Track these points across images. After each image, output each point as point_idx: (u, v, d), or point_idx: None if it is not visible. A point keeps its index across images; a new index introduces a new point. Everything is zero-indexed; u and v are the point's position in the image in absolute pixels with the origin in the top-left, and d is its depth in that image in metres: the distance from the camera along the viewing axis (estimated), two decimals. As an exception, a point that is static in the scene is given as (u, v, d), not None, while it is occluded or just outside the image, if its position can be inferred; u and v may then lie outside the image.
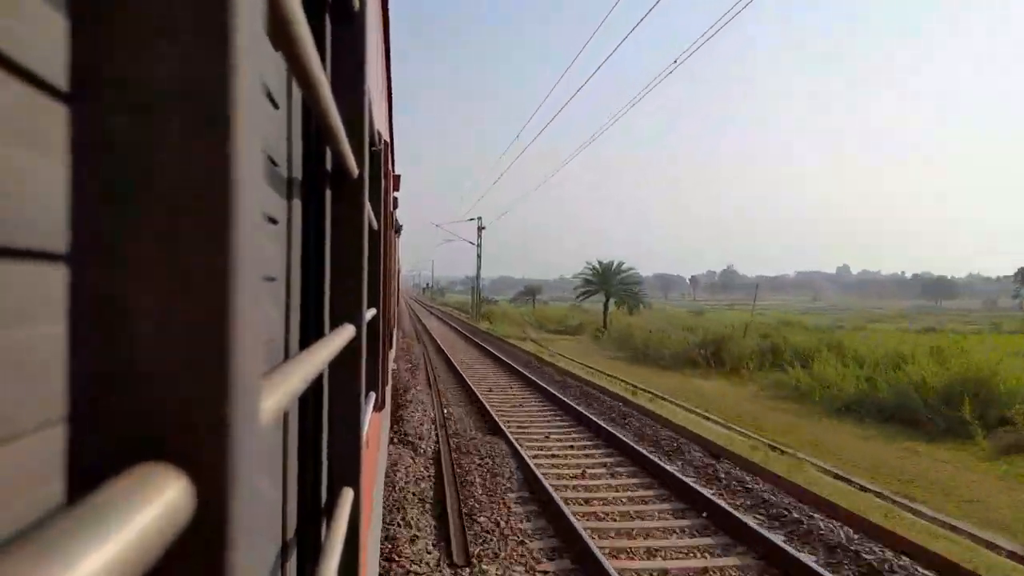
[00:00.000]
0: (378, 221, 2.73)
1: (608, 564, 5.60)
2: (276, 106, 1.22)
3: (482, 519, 7.11)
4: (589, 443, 10.75)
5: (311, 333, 1.45)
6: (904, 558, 6.14)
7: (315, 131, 1.46)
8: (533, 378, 17.19)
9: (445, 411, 13.03)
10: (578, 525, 6.54)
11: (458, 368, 19.14)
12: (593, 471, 9.11)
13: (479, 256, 53.14)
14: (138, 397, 0.32)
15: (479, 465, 9.17)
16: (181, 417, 0.33)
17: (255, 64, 0.36)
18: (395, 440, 10.11)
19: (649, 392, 16.16)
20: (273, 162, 1.18)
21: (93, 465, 0.32)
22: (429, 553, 6.23)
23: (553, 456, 9.97)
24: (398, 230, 11.06)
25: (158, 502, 0.28)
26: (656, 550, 6.44)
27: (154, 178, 0.32)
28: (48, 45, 0.35)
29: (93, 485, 0.29)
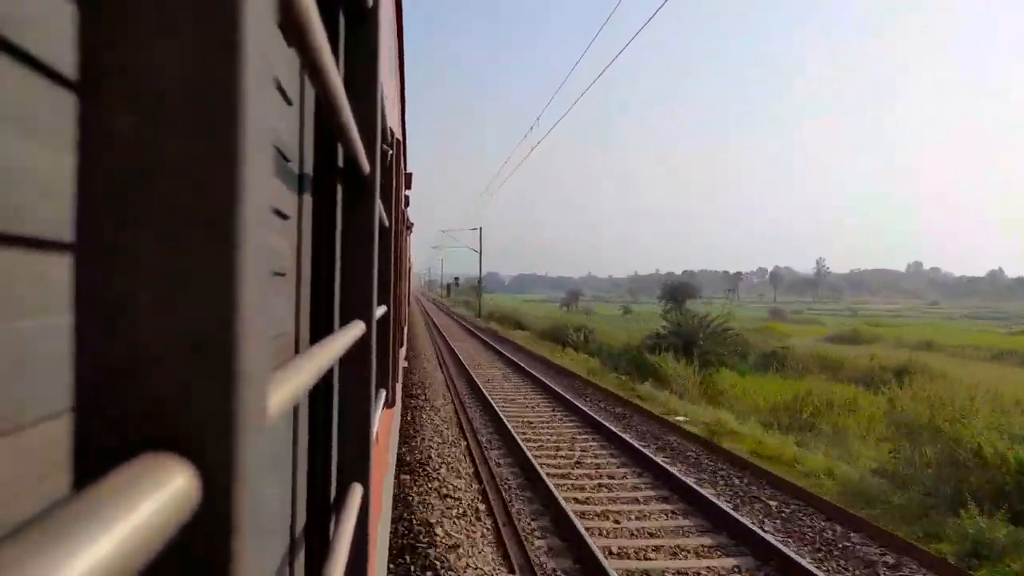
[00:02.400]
0: (389, 219, 2.73)
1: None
2: (289, 102, 1.23)
3: None
4: None
5: (321, 329, 1.46)
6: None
7: (328, 128, 1.47)
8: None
9: None
10: None
11: None
12: None
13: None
14: (143, 389, 0.33)
15: None
16: (187, 409, 0.33)
17: (264, 59, 0.36)
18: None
19: None
20: (285, 158, 1.19)
21: (98, 457, 0.32)
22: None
23: None
24: (409, 228, 11.09)
25: (163, 491, 0.28)
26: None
27: (160, 170, 0.32)
28: (56, 37, 0.36)
29: (98, 477, 0.29)
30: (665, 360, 21.78)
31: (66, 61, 0.36)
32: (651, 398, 16.94)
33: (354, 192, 1.48)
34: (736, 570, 6.57)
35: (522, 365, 21.79)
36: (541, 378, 18.80)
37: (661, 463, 9.83)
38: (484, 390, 16.27)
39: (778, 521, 8.10)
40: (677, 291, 58.14)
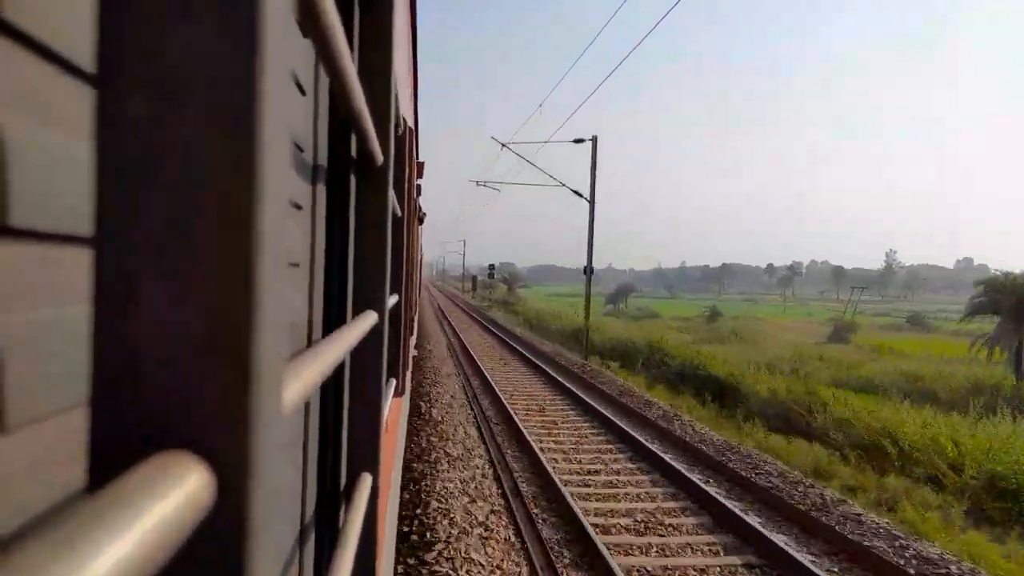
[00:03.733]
0: (401, 208, 2.73)
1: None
2: (303, 92, 1.22)
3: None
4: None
5: (334, 319, 1.46)
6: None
7: (341, 117, 1.46)
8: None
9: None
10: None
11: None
12: None
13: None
14: (159, 383, 0.32)
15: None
16: (202, 405, 0.32)
17: (282, 51, 0.36)
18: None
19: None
20: (299, 148, 1.19)
21: (114, 450, 0.32)
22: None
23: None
24: (421, 218, 11.07)
25: (179, 491, 0.28)
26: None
27: (178, 162, 0.32)
28: (75, 26, 0.35)
29: (114, 470, 0.29)
30: None
31: (84, 50, 0.36)
32: None
33: (367, 182, 1.47)
34: None
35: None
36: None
37: None
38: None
39: None
40: None
